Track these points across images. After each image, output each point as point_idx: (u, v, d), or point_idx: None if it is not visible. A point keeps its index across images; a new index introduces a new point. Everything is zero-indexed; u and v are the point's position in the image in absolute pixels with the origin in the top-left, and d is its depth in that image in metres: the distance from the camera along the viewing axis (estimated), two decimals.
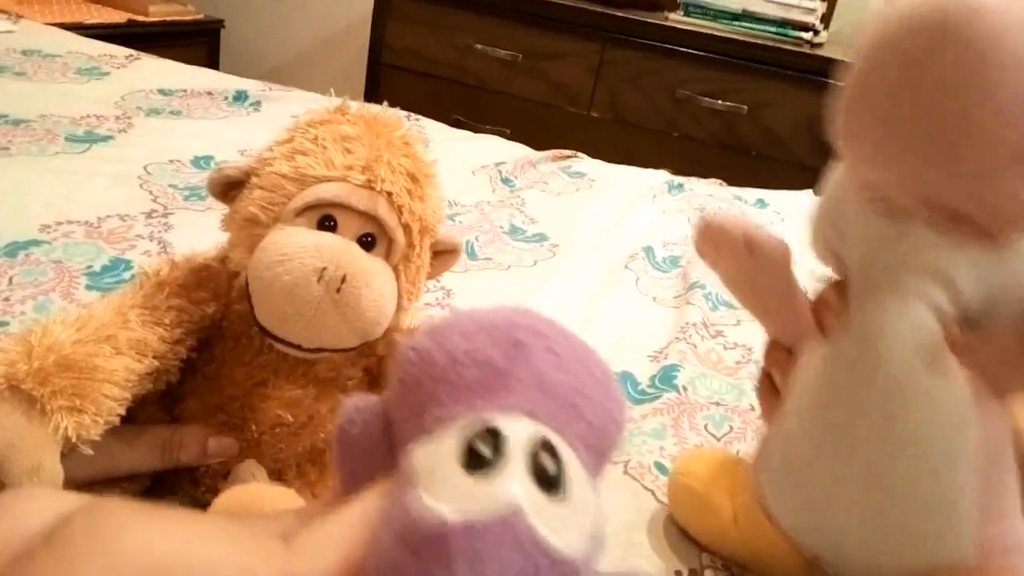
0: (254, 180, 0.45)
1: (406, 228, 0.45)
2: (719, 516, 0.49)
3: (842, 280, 0.44)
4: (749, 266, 0.44)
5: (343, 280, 0.41)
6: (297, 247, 0.41)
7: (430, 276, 0.51)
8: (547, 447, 0.18)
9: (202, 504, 0.46)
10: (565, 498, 0.17)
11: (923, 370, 0.39)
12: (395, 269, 0.45)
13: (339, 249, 0.42)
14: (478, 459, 0.17)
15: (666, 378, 0.70)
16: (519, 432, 0.18)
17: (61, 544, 0.16)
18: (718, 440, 0.63)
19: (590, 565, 0.17)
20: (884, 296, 0.40)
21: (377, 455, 0.20)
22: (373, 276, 0.43)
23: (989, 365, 0.40)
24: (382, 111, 0.49)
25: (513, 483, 0.17)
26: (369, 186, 0.44)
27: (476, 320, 0.21)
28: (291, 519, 0.20)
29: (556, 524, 0.17)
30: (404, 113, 1.23)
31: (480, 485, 0.17)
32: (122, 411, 0.40)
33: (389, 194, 0.44)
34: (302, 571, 0.17)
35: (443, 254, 0.51)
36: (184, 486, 0.47)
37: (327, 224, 0.44)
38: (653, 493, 0.56)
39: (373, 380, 0.50)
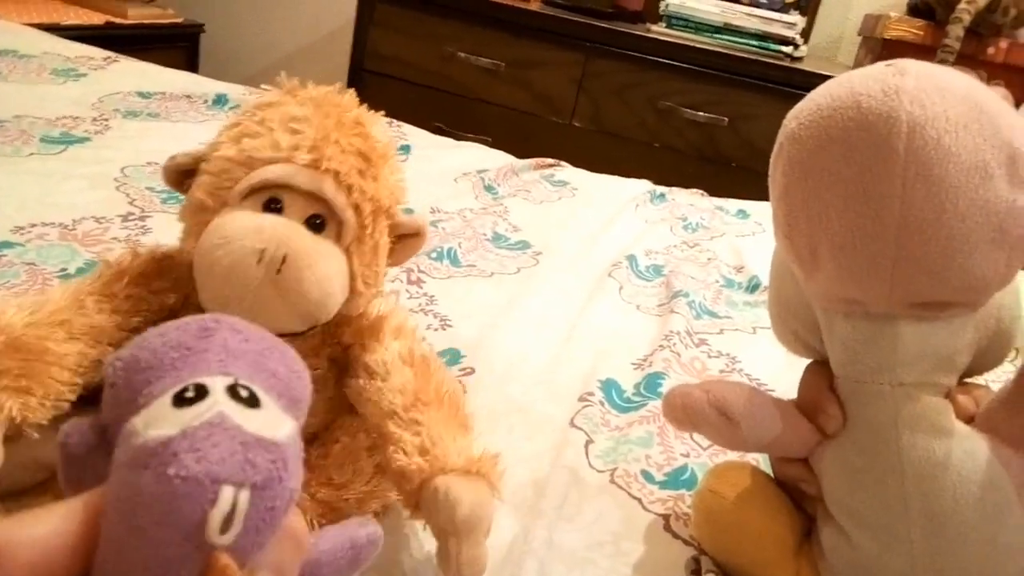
0: (203, 166, 0.44)
1: (356, 208, 0.44)
2: (779, 548, 0.47)
3: (818, 370, 0.46)
4: (731, 429, 0.44)
5: (283, 261, 0.40)
6: (238, 229, 0.40)
7: (395, 262, 0.50)
8: (241, 386, 0.22)
9: None
10: (260, 410, 0.22)
11: (941, 445, 0.40)
12: (347, 251, 0.44)
13: (281, 230, 0.41)
14: (186, 399, 0.21)
15: (651, 386, 0.70)
16: (217, 381, 0.22)
17: None
18: (704, 449, 0.62)
19: (292, 448, 0.22)
20: (885, 389, 0.42)
21: (99, 465, 0.22)
22: (317, 257, 0.42)
23: (1004, 426, 0.41)
24: (334, 91, 0.48)
25: (215, 402, 0.21)
26: (315, 165, 0.43)
27: (170, 325, 0.25)
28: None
29: (256, 422, 0.21)
30: (386, 120, 1.22)
31: (190, 411, 0.21)
32: (72, 397, 0.39)
33: (336, 173, 0.43)
34: (12, 531, 0.19)
35: (407, 238, 0.50)
36: None
37: (273, 207, 0.43)
38: (640, 502, 0.55)
39: (341, 370, 0.49)
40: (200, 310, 0.45)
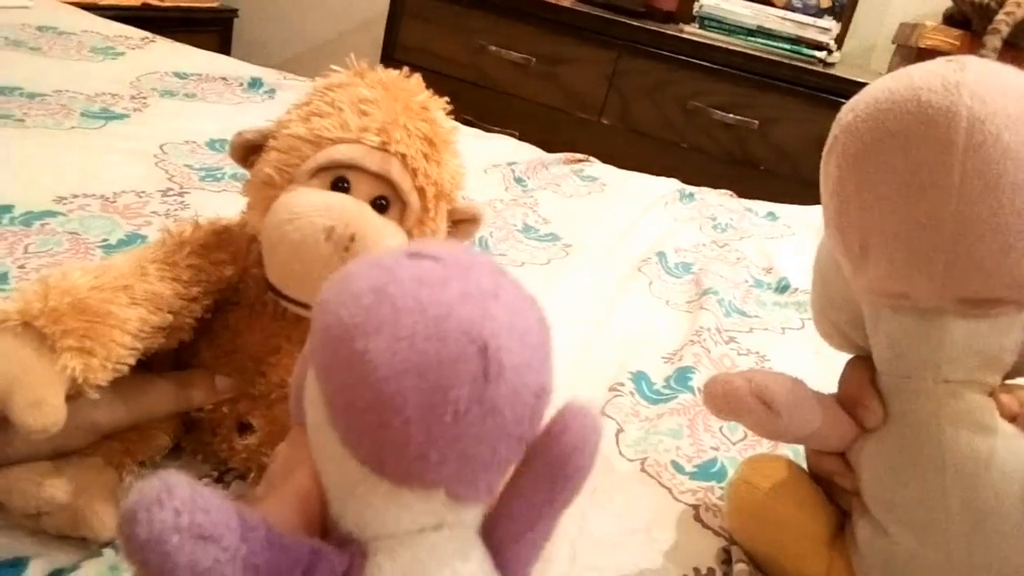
0: (271, 143, 0.45)
1: (420, 191, 0.45)
2: (813, 540, 0.47)
3: (860, 364, 0.46)
4: (772, 418, 0.44)
5: (351, 239, 0.40)
6: (307, 206, 0.41)
7: None
8: None
9: (219, 456, 0.47)
10: None
11: (985, 443, 0.40)
12: (409, 233, 0.45)
13: (349, 209, 0.42)
14: None
15: (681, 379, 0.70)
16: None
17: None
18: (733, 444, 0.62)
19: None
20: (928, 386, 0.42)
21: None
22: (383, 237, 0.42)
23: None
24: (401, 76, 0.48)
25: None
26: (383, 148, 0.44)
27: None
28: None
29: None
30: None
31: None
32: (132, 361, 0.40)
33: (403, 156, 0.44)
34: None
35: (463, 223, 0.50)
36: (205, 437, 0.47)
37: (341, 186, 0.43)
38: (670, 491, 0.55)
39: None
40: (257, 282, 0.46)
